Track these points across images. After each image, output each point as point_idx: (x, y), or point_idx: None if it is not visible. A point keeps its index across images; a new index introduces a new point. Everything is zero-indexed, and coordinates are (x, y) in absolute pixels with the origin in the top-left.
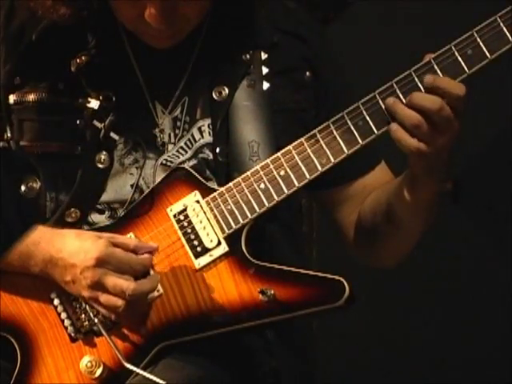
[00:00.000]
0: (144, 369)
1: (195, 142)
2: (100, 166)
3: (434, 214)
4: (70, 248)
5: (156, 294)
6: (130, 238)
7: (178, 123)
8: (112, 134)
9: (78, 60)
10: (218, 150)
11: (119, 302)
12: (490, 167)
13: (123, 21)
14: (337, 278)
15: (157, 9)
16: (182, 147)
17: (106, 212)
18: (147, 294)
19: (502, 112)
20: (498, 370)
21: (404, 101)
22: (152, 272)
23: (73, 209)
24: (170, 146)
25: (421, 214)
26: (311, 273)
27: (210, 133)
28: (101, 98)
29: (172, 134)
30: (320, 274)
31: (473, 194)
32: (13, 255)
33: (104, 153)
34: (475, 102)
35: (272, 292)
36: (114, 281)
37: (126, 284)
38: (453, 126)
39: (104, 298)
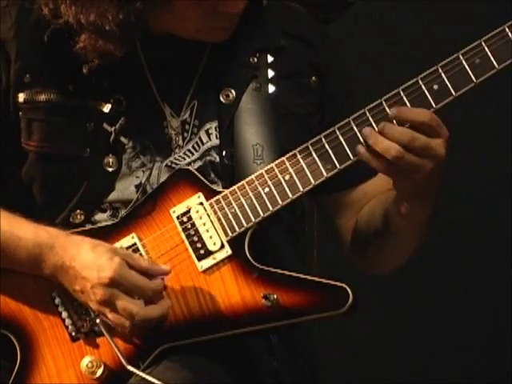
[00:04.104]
0: (145, 369)
1: (202, 144)
2: (108, 169)
3: (429, 231)
4: (84, 260)
5: (163, 322)
6: (144, 259)
7: (187, 126)
8: (122, 138)
9: (89, 62)
10: (224, 152)
11: (126, 323)
12: (490, 167)
13: (184, 28)
14: (340, 284)
15: None
16: (189, 150)
17: (108, 211)
18: (155, 321)
19: (502, 113)
20: (498, 370)
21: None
22: (164, 293)
23: (78, 210)
24: (178, 149)
25: (414, 232)
26: (315, 278)
27: (217, 135)
28: (112, 101)
29: (180, 137)
30: (324, 280)
31: (473, 194)
32: (24, 256)
33: (113, 156)
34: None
35: (275, 297)
36: (124, 304)
37: (136, 309)
38: (434, 152)
39: (112, 316)
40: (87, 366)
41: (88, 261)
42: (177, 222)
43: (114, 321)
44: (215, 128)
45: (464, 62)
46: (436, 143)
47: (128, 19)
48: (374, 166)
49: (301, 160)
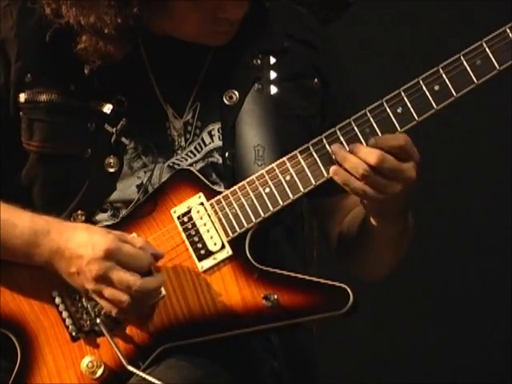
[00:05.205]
0: (145, 369)
1: (205, 145)
2: (109, 169)
3: (407, 244)
4: (79, 239)
5: (159, 295)
6: (137, 238)
7: (189, 128)
8: (123, 139)
9: (91, 63)
10: (226, 154)
11: (124, 297)
12: (490, 168)
13: (184, 31)
14: (341, 285)
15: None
16: (191, 151)
17: (109, 211)
18: (152, 292)
19: (503, 114)
20: (498, 371)
21: (413, 111)
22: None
23: (79, 211)
24: (180, 150)
25: (388, 245)
26: (315, 279)
27: (219, 137)
28: (113, 102)
29: (183, 138)
30: (324, 281)
31: (473, 195)
32: (19, 242)
33: (114, 157)
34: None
35: (275, 297)
36: (120, 275)
37: (133, 279)
38: (403, 175)
39: (108, 291)
40: (87, 365)
41: (83, 239)
42: (177, 222)
43: (112, 297)
44: (218, 129)
45: (465, 62)
46: (407, 166)
47: (127, 23)
48: (342, 184)
49: (301, 160)
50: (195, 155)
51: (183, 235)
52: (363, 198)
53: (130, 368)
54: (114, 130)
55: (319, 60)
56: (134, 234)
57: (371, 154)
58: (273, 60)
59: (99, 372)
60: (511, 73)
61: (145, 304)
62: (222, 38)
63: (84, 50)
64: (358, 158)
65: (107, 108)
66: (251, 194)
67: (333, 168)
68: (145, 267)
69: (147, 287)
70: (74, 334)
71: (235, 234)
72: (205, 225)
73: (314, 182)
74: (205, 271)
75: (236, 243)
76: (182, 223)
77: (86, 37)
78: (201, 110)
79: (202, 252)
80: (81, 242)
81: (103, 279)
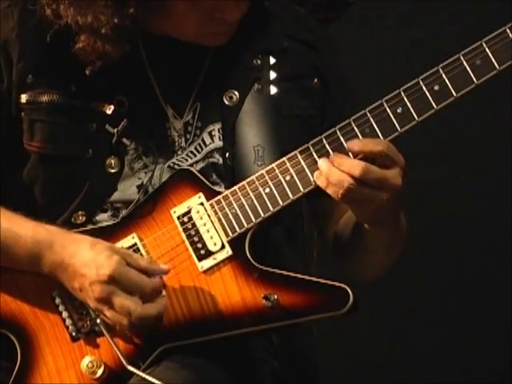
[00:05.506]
0: (145, 369)
1: (205, 146)
2: (110, 170)
3: (400, 245)
4: (83, 257)
5: (160, 320)
6: (142, 258)
7: (190, 128)
8: (124, 140)
9: (90, 63)
10: (227, 154)
11: (124, 321)
12: (490, 168)
13: (183, 31)
14: (341, 285)
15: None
16: (191, 151)
17: (109, 211)
18: (153, 319)
19: (503, 114)
20: (498, 371)
21: (413, 111)
22: (162, 293)
23: (80, 211)
24: (181, 151)
25: (380, 248)
26: (315, 279)
27: (220, 137)
28: (114, 102)
29: (183, 139)
30: (324, 281)
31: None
32: (22, 252)
33: (115, 157)
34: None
35: (275, 297)
36: (121, 301)
37: (134, 307)
38: (390, 182)
39: (109, 313)
40: (87, 366)
41: (87, 258)
42: (177, 223)
43: (112, 318)
44: (218, 130)
45: (465, 62)
46: (392, 174)
47: (123, 23)
48: (329, 192)
49: (301, 160)
50: (195, 155)
51: (183, 235)
52: (350, 207)
53: (130, 368)
54: (116, 130)
55: (319, 60)
56: (134, 235)
57: (355, 167)
58: (272, 60)
59: (99, 372)
60: (511, 73)
61: (146, 328)
62: (220, 39)
63: (82, 50)
64: (342, 172)
65: (109, 109)
66: (251, 194)
67: (317, 175)
68: (148, 294)
69: (147, 315)
70: (74, 334)
71: (235, 234)
72: (205, 225)
73: (313, 182)
74: (205, 271)
75: (236, 243)
76: (182, 223)
77: (83, 36)
78: (201, 111)
79: (202, 252)
80: (85, 261)
81: (105, 301)
